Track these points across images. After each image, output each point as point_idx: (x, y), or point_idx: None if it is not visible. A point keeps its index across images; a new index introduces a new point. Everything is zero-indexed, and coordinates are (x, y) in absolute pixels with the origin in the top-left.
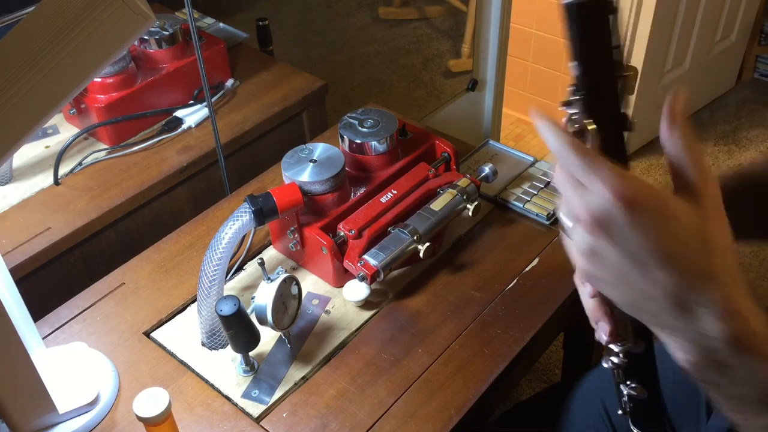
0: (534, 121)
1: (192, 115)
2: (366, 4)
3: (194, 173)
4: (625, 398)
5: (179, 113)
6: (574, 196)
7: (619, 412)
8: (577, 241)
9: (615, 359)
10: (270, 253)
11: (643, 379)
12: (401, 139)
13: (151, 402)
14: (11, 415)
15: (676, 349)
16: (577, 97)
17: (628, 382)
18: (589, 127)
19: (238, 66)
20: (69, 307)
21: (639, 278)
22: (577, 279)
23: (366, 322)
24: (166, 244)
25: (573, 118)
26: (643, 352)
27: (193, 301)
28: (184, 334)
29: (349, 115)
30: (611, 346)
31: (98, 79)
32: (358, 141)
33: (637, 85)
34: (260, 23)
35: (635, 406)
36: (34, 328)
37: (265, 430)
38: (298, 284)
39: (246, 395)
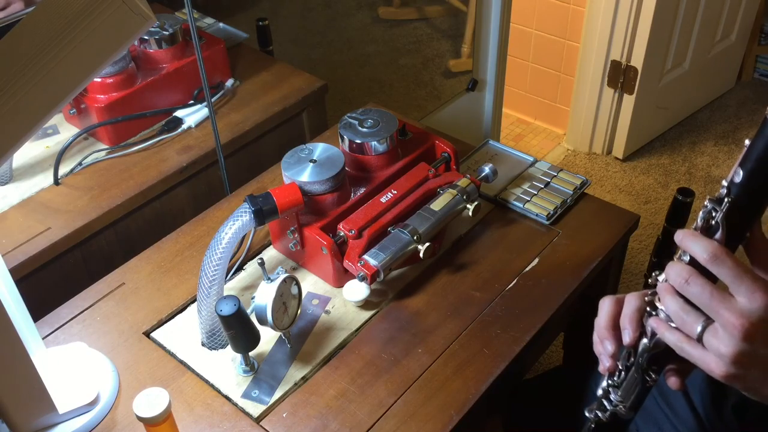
0: (678, 237)
1: (192, 115)
2: (366, 4)
3: (194, 173)
4: None
5: (179, 113)
6: (721, 305)
7: None
8: (725, 347)
9: (600, 413)
10: (270, 253)
11: None
12: (401, 139)
13: (151, 402)
14: (11, 415)
15: None
16: (726, 200)
17: None
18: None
19: (238, 66)
20: (69, 307)
21: None
22: (598, 325)
23: (366, 322)
24: (166, 244)
25: (712, 215)
26: (626, 420)
27: (193, 301)
28: (184, 334)
29: (349, 115)
30: (605, 401)
31: (98, 79)
32: (358, 141)
33: (637, 85)
34: (260, 23)
35: None
36: (34, 328)
37: (265, 430)
38: (298, 284)
39: (246, 395)
